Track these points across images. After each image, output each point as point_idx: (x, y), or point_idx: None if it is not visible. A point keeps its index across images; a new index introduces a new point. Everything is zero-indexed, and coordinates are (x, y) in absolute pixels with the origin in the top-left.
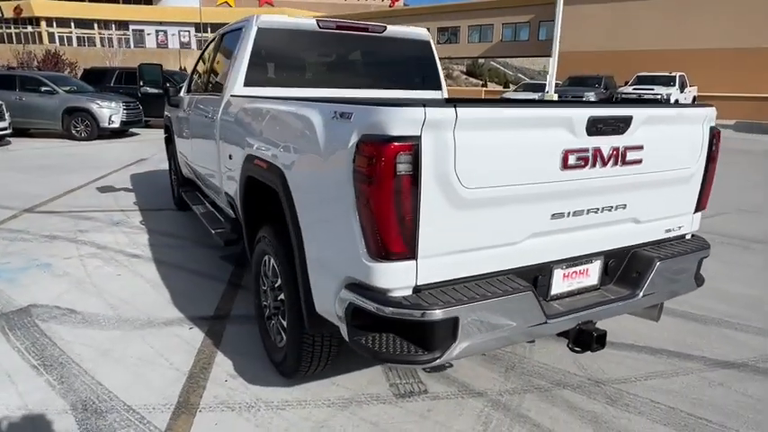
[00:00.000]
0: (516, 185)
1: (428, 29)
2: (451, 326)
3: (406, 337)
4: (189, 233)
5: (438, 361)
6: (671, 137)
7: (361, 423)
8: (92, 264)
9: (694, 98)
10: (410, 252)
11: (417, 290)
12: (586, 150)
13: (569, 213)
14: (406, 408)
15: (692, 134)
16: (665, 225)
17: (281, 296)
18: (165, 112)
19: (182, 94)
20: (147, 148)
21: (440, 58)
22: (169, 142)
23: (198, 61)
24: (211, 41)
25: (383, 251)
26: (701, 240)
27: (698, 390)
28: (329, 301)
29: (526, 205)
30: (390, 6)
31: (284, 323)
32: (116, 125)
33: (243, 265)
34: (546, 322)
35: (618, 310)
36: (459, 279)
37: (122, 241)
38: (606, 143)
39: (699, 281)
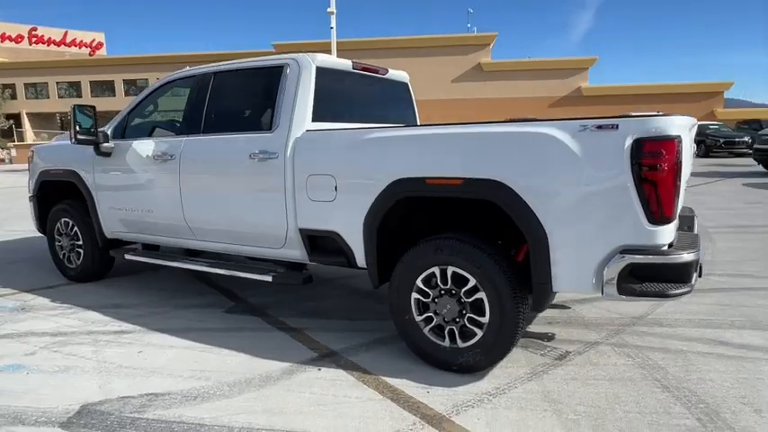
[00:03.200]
0: None
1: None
2: (695, 264)
3: (664, 278)
4: (148, 299)
5: (690, 290)
6: None
7: (570, 379)
8: (82, 350)
9: None
10: (673, 216)
11: (670, 245)
12: None
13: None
14: (566, 366)
15: None
16: None
17: (477, 297)
18: (54, 166)
19: (116, 141)
20: None
21: None
22: (44, 203)
23: (145, 104)
24: (190, 81)
25: (663, 218)
26: None
27: None
28: (583, 273)
29: None
30: (91, 55)
31: (477, 318)
32: None
33: (256, 311)
34: None
35: None
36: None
37: (79, 324)
38: None
39: None
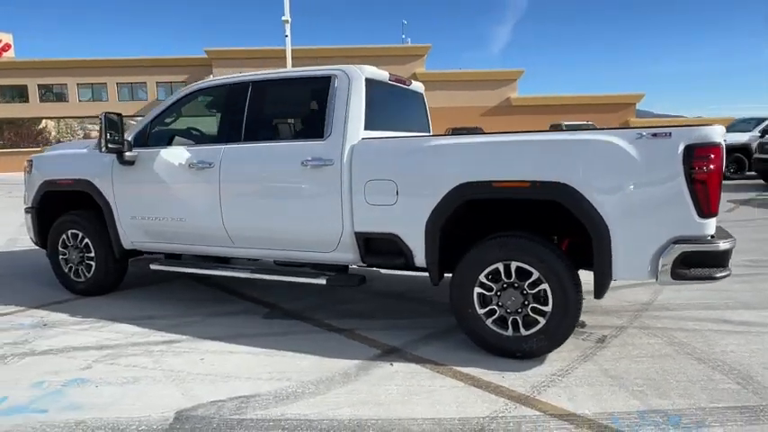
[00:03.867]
0: None
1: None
2: (731, 251)
3: (708, 264)
4: (174, 309)
5: (730, 273)
6: None
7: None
8: (140, 361)
9: None
10: (717, 211)
11: (712, 236)
12: None
13: None
14: (609, 347)
15: None
16: None
17: (540, 288)
18: (61, 176)
19: (139, 150)
20: None
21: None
22: (44, 215)
23: (168, 113)
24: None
25: (710, 212)
26: None
27: None
28: (640, 262)
29: None
30: None
31: (541, 308)
32: None
33: (294, 315)
34: None
35: None
36: None
37: (118, 336)
38: None
39: None
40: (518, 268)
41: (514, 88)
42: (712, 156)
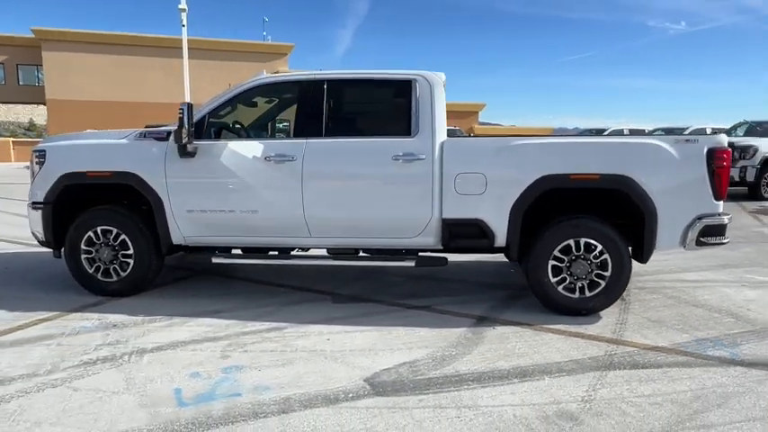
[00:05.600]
0: None
1: None
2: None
3: (716, 234)
4: (235, 302)
5: (729, 240)
6: None
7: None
8: (270, 346)
9: None
10: (725, 195)
11: (719, 213)
12: None
13: None
14: (634, 303)
15: None
16: None
17: (602, 258)
18: (94, 168)
19: (199, 142)
20: None
21: None
22: (60, 213)
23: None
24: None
25: (722, 196)
26: None
27: None
28: (676, 234)
29: None
30: None
31: (602, 273)
32: None
33: (360, 299)
34: None
35: None
36: None
37: (212, 329)
38: None
39: None
40: (586, 243)
41: None
42: (725, 155)
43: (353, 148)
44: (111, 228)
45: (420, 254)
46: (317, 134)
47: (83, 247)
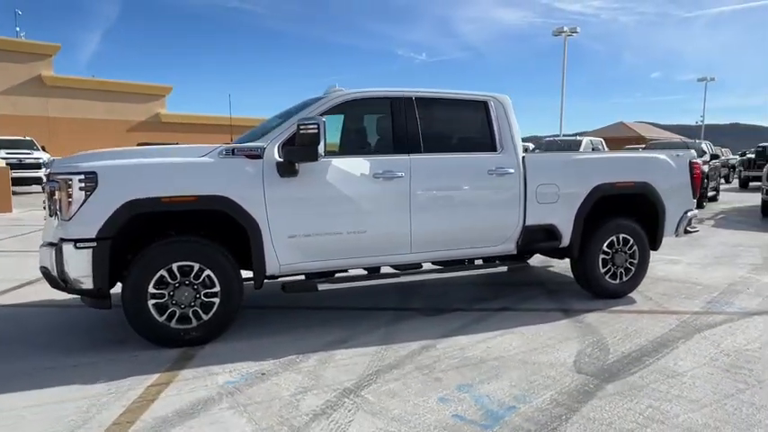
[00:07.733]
0: None
1: None
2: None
3: (690, 224)
4: (330, 335)
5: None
6: None
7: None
8: (452, 363)
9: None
10: (699, 194)
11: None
12: None
13: None
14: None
15: None
16: None
17: (633, 249)
18: (167, 192)
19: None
20: None
21: None
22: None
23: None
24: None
25: (697, 195)
26: None
27: None
28: (673, 226)
29: None
30: None
31: (632, 261)
32: None
33: (443, 311)
34: None
35: None
36: None
37: (367, 360)
38: None
39: None
40: (623, 238)
41: (164, 104)
42: (698, 166)
43: (455, 164)
44: (191, 263)
45: (498, 260)
46: (417, 150)
47: (150, 290)
